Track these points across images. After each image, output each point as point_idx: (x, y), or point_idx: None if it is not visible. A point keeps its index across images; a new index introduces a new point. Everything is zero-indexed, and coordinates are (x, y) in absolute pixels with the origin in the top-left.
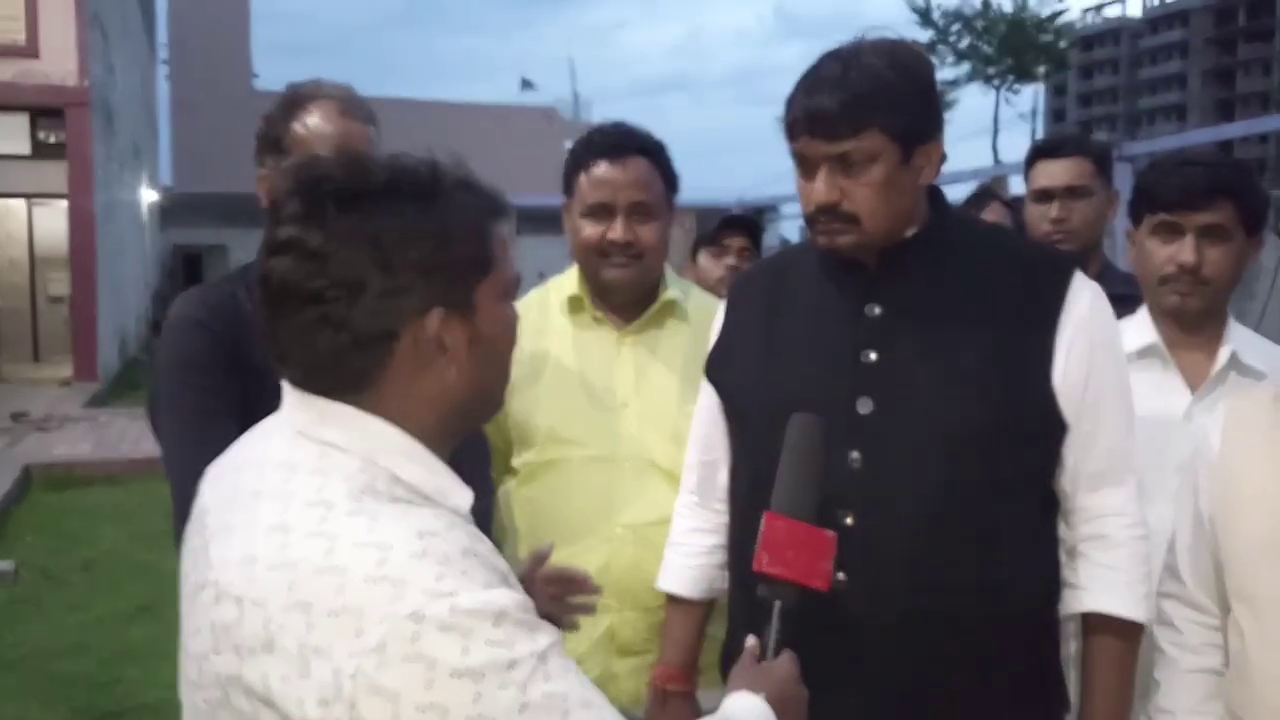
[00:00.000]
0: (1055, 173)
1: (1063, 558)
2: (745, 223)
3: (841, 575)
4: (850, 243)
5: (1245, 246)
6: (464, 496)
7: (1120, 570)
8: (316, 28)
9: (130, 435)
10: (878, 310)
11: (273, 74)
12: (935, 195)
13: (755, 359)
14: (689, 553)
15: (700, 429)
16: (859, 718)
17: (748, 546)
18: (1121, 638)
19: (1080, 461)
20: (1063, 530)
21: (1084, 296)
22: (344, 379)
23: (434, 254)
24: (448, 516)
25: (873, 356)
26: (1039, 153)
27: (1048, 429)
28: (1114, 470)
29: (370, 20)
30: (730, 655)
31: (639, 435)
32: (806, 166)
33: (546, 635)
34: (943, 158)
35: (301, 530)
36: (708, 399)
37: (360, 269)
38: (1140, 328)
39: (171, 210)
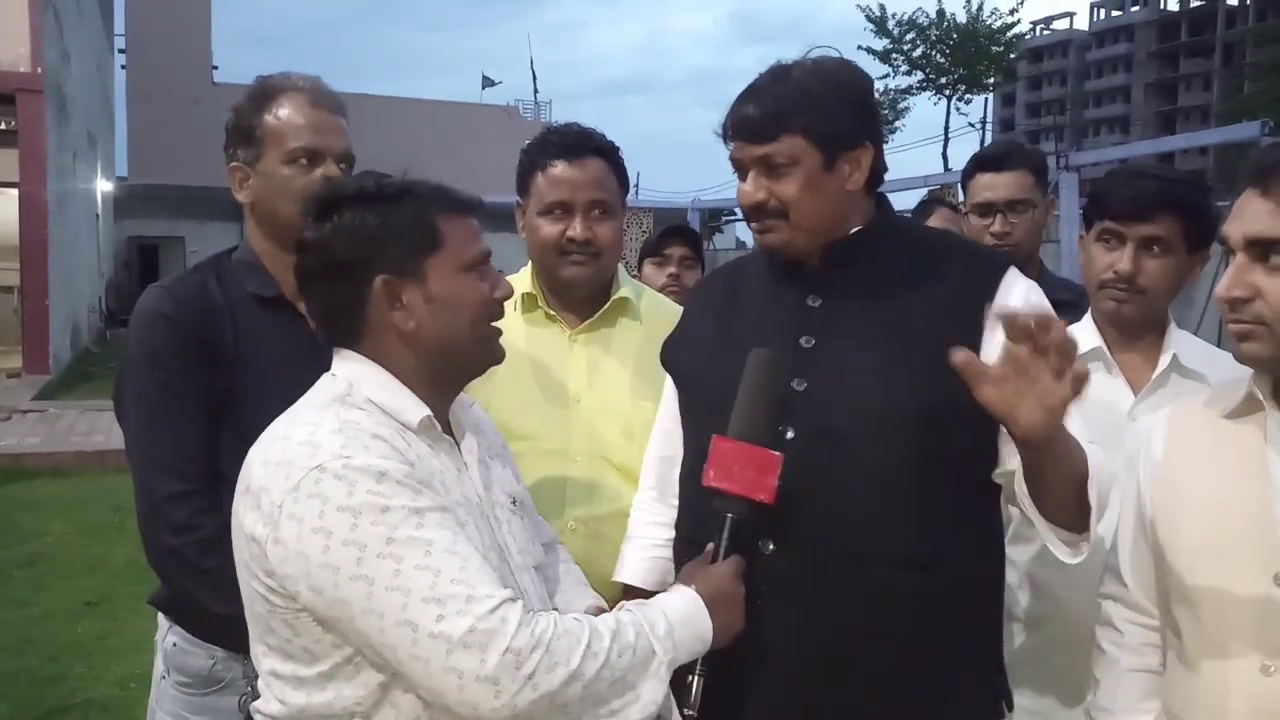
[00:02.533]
0: (998, 186)
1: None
2: (686, 232)
3: (771, 544)
4: (780, 240)
5: (1188, 261)
6: (415, 414)
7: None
8: (277, 21)
9: (80, 428)
10: (818, 301)
11: (234, 66)
12: (881, 199)
13: (708, 346)
14: (644, 545)
15: (663, 424)
16: (788, 683)
17: (693, 525)
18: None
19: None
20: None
21: (1016, 287)
22: (344, 331)
23: (381, 239)
24: (382, 418)
25: (810, 342)
26: (980, 165)
27: (978, 413)
28: None
29: (332, 14)
30: None
31: (592, 430)
32: (740, 169)
33: (429, 500)
34: (878, 162)
35: (288, 419)
36: (671, 395)
37: (337, 253)
38: (1084, 332)
39: (127, 201)
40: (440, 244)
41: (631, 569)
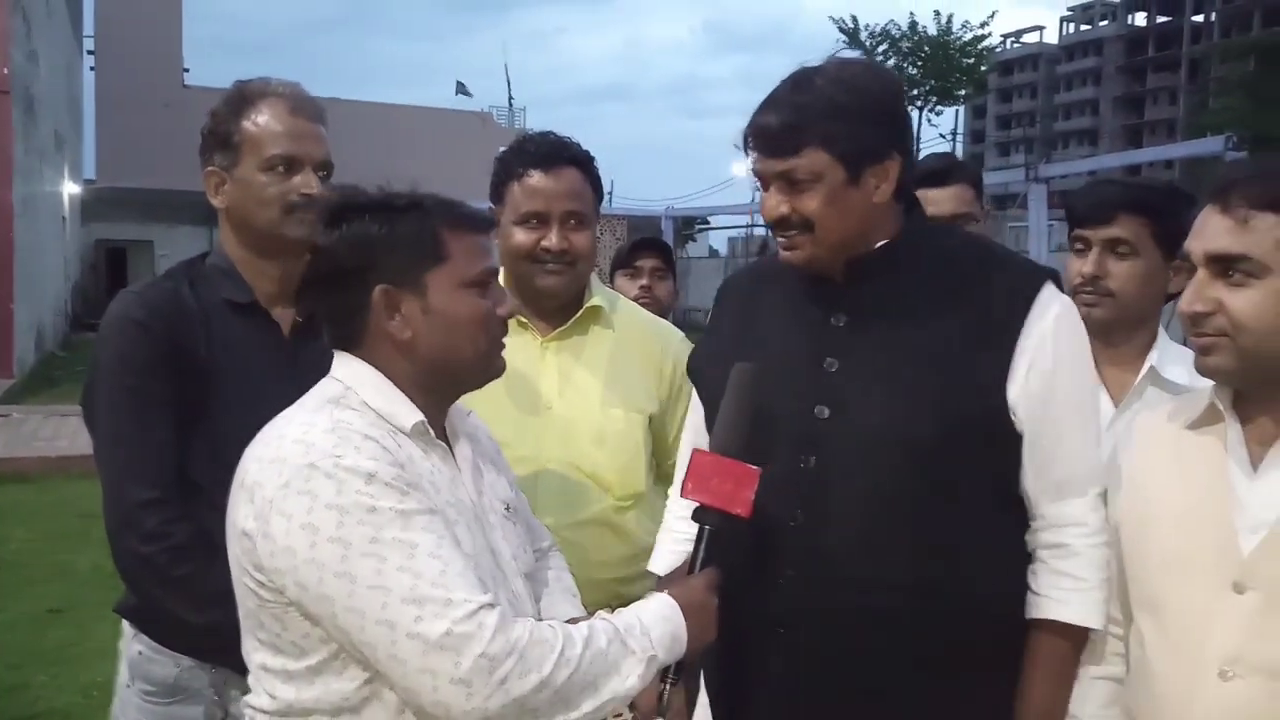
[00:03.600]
0: (941, 201)
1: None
2: (657, 244)
3: (791, 572)
4: (803, 257)
5: (1162, 264)
6: (409, 418)
7: (1076, 578)
8: (250, 27)
9: (44, 433)
10: (843, 320)
11: (205, 71)
12: (912, 207)
13: (729, 364)
14: (675, 539)
15: (693, 424)
16: (797, 710)
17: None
18: (1067, 639)
19: (1043, 472)
20: (1028, 538)
21: (1050, 311)
22: (345, 336)
23: (384, 249)
24: (375, 420)
25: (834, 366)
26: (922, 181)
27: (1000, 439)
28: (1077, 481)
29: (305, 21)
30: None
31: (563, 438)
32: (762, 181)
33: (416, 502)
34: (907, 173)
35: (286, 419)
36: (698, 400)
37: (340, 260)
38: None
39: (95, 204)
40: (443, 258)
41: (661, 561)
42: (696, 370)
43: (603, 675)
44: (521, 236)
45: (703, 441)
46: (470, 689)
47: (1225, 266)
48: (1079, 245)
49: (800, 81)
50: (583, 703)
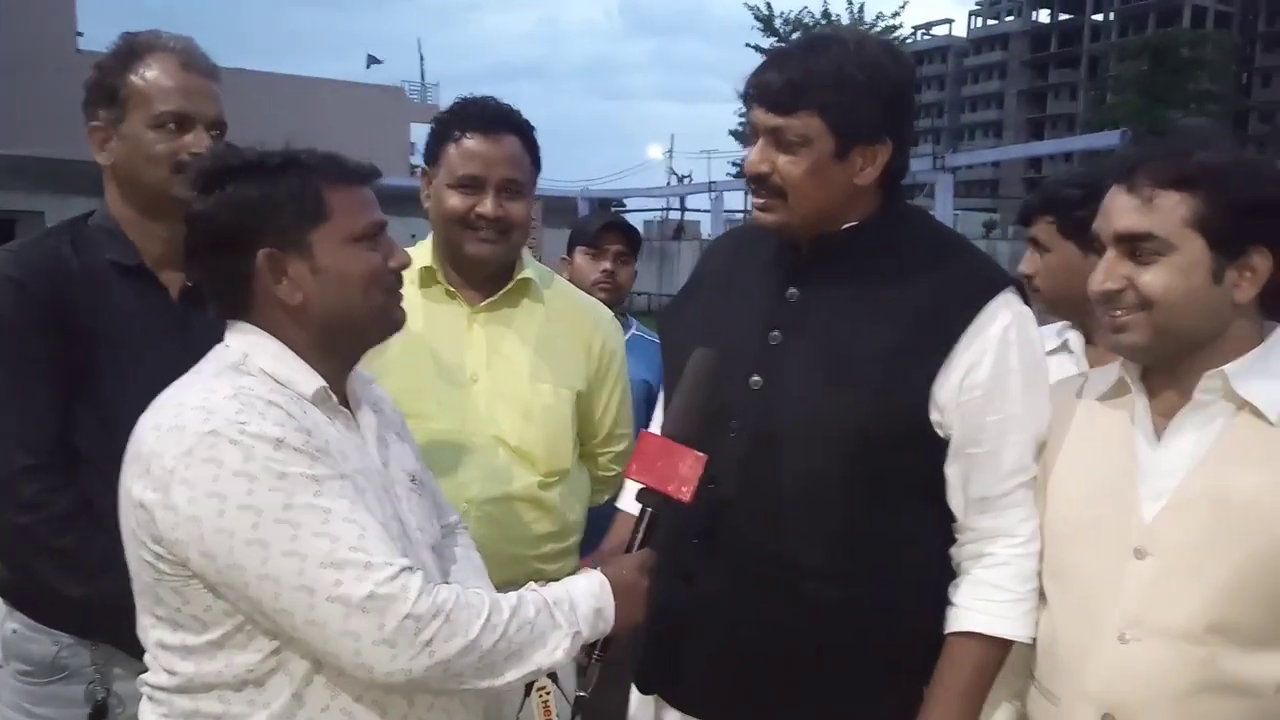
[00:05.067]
0: None
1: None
2: (624, 227)
3: (699, 540)
4: (775, 221)
5: (1075, 256)
6: (309, 385)
7: (1002, 588)
8: None
9: None
10: (796, 295)
11: (101, 36)
12: (894, 195)
13: (695, 319)
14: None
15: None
16: (716, 670)
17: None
18: (986, 653)
19: (975, 485)
20: (953, 552)
21: (998, 319)
22: (233, 304)
23: (264, 211)
24: (276, 386)
25: (778, 338)
26: None
27: (926, 440)
28: (1011, 495)
29: None
30: None
31: (488, 411)
32: (752, 134)
33: (326, 469)
34: (897, 161)
35: (182, 385)
36: None
37: (220, 226)
38: (1060, 329)
39: None
40: (326, 215)
41: (626, 498)
42: (665, 319)
43: (529, 645)
44: (455, 201)
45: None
46: (395, 650)
47: (1133, 245)
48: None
49: (816, 43)
50: (507, 671)
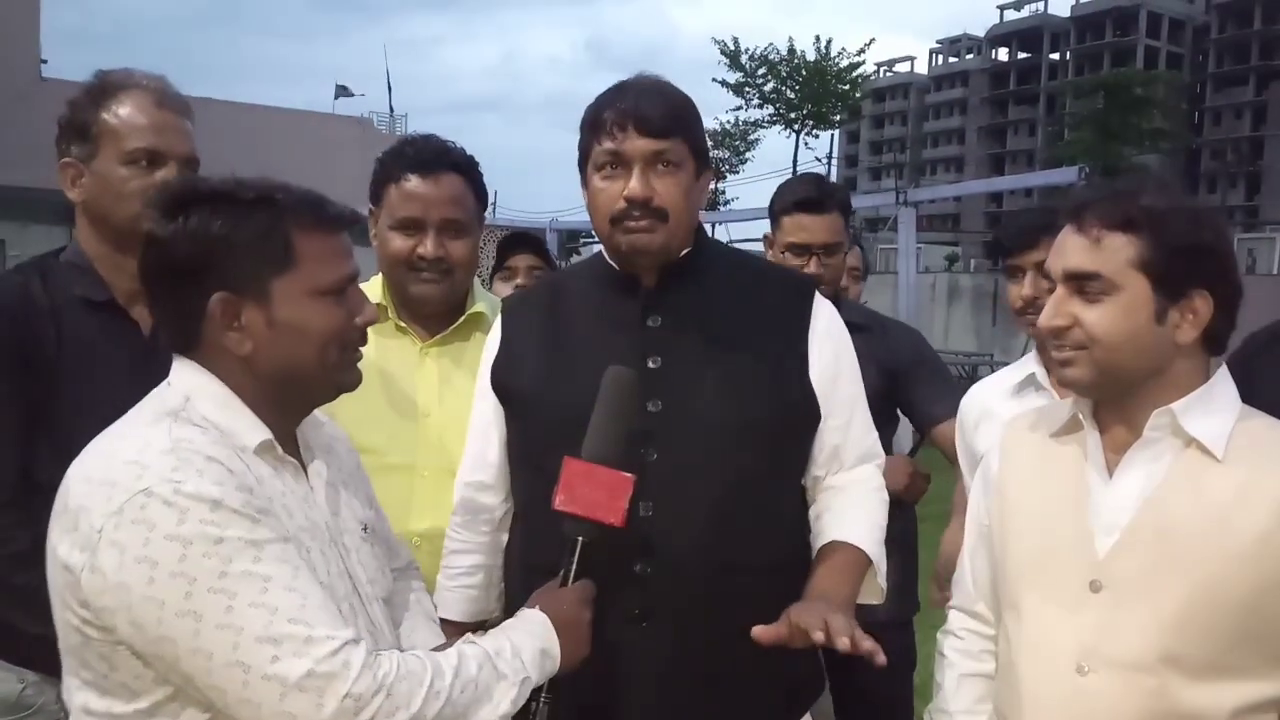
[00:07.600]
0: (816, 230)
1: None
2: (530, 240)
3: (645, 566)
4: (657, 242)
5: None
6: (253, 436)
7: (860, 509)
8: (115, 18)
9: None
10: (659, 320)
11: (65, 63)
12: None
13: (542, 367)
14: (450, 574)
15: (474, 446)
16: (662, 700)
17: (533, 550)
18: (851, 555)
19: (838, 450)
20: (812, 510)
21: (824, 309)
22: (181, 339)
23: (225, 250)
24: (218, 437)
25: (657, 362)
26: (800, 206)
27: (810, 421)
28: (867, 453)
29: (171, 15)
30: None
31: (440, 445)
32: (619, 165)
33: (268, 531)
34: (710, 190)
35: (115, 434)
36: (483, 417)
37: (176, 257)
38: (1026, 365)
39: None
40: (292, 263)
41: (441, 601)
42: (501, 383)
43: (474, 704)
44: (398, 243)
45: (493, 449)
46: None
47: (1080, 283)
48: (1015, 273)
49: (660, 84)
50: None
